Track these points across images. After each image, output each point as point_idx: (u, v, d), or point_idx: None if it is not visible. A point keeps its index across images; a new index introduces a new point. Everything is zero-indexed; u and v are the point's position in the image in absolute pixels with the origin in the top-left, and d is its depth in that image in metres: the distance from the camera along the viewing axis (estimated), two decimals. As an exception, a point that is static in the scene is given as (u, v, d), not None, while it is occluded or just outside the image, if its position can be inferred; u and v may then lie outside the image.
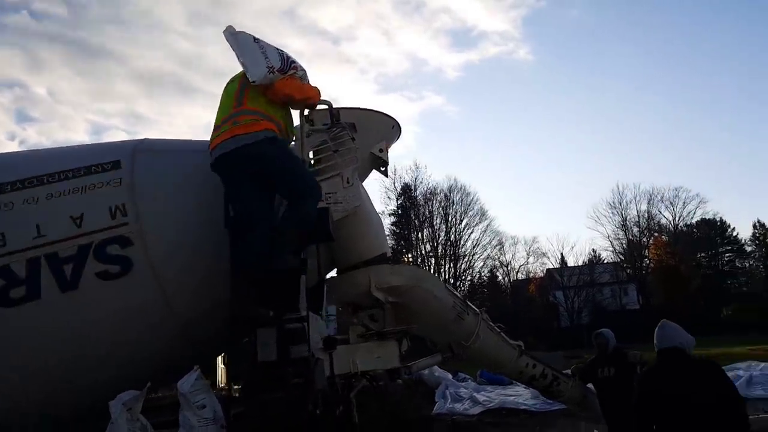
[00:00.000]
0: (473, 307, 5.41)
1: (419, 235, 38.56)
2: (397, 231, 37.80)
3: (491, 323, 5.60)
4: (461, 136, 67.31)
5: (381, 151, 4.90)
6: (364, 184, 4.98)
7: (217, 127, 3.95)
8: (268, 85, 3.86)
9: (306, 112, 4.25)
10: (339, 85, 57.61)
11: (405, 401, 13.49)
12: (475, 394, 12.85)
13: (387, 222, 38.50)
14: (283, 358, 3.88)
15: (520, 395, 12.25)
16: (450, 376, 14.52)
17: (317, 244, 4.18)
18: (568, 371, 6.91)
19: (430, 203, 38.69)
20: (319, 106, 4.30)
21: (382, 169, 5.13)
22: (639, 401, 3.74)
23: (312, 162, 4.48)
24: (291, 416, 3.56)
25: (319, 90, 4.18)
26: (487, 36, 68.93)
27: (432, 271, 37.94)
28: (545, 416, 11.12)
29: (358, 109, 4.85)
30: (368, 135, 4.83)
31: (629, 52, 67.43)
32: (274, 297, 3.75)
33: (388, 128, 5.04)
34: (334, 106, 4.48)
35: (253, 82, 3.80)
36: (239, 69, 4.00)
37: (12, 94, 48.02)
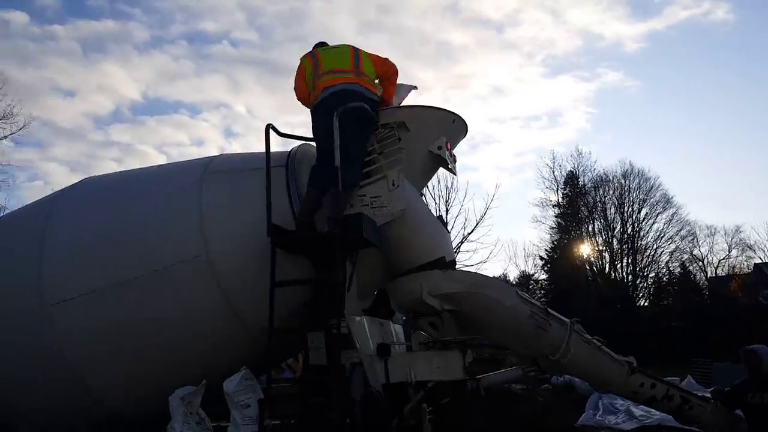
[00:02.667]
0: (560, 317, 4.83)
1: (589, 227, 35.55)
2: (563, 224, 35.36)
3: (587, 336, 4.94)
4: (643, 115, 59.50)
5: (440, 148, 4.62)
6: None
7: (334, 71, 4.38)
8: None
9: None
10: (503, 73, 55.51)
11: (549, 408, 12.64)
12: (632, 407, 11.37)
13: (551, 214, 36.13)
14: (333, 362, 3.92)
15: (688, 413, 10.60)
16: (606, 384, 13.17)
17: (354, 250, 4.10)
18: (707, 394, 5.80)
19: (600, 191, 35.36)
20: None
21: (450, 166, 4.84)
22: None
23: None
24: (317, 424, 3.56)
25: None
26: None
27: (607, 266, 34.90)
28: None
29: (410, 107, 4.64)
30: (423, 133, 4.59)
31: None
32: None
33: (446, 124, 4.72)
34: (393, 107, 4.55)
35: None
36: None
37: (219, 114, 55.95)
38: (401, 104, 4.80)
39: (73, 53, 45.88)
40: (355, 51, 4.58)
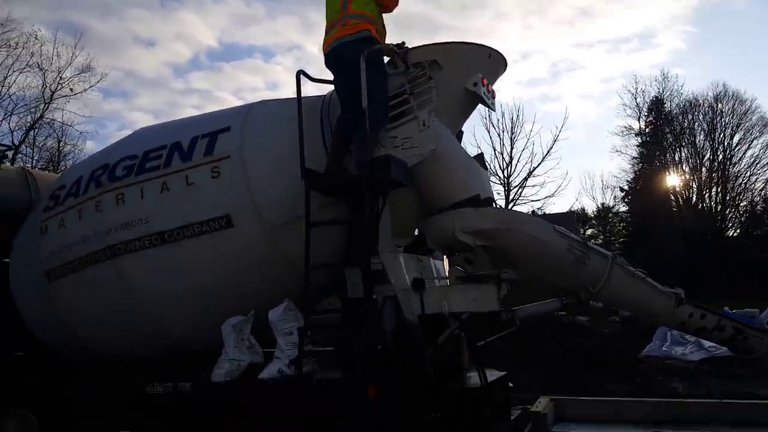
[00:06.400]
0: (601, 250, 4.81)
1: (675, 156, 33.15)
2: (646, 153, 33.20)
3: (630, 268, 4.90)
4: (749, 32, 53.16)
5: (475, 84, 4.57)
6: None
7: (327, 30, 4.53)
8: None
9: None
10: (590, -5, 50.95)
11: (614, 340, 12.57)
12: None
13: (633, 143, 33.99)
14: (368, 296, 4.20)
15: (764, 345, 10.21)
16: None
17: (384, 191, 4.24)
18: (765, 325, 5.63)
19: (688, 117, 32.59)
20: (385, 50, 4.30)
21: (488, 102, 4.80)
22: None
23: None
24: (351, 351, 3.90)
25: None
26: None
27: (693, 196, 32.91)
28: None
29: (442, 44, 4.58)
30: (458, 70, 4.54)
31: None
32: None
33: (481, 59, 4.64)
34: (424, 44, 4.53)
35: None
36: None
37: (293, 56, 55.86)
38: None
39: (151, 3, 47.38)
40: None
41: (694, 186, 32.89)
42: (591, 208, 37.91)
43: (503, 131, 24.72)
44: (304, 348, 3.94)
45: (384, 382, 3.82)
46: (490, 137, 26.50)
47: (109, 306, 4.89)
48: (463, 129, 5.22)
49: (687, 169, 33.05)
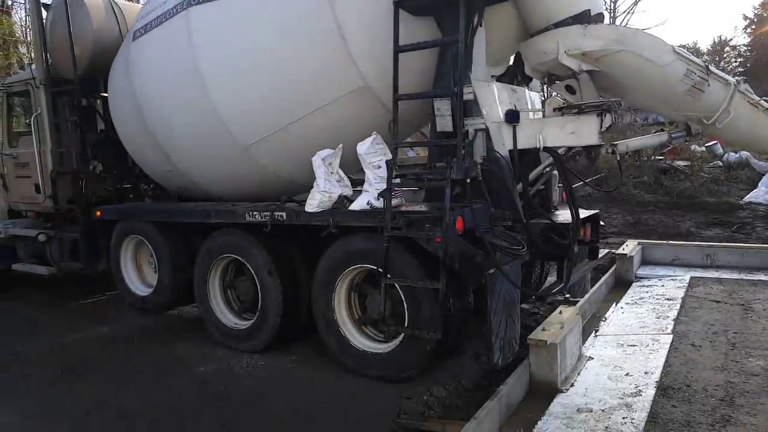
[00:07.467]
0: (724, 75, 4.19)
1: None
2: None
3: (754, 96, 4.28)
4: None
5: None
6: None
7: None
8: None
9: None
10: None
11: (715, 185, 11.74)
12: (818, 185, 10.21)
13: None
14: (459, 129, 4.00)
15: None
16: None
17: (481, 5, 3.77)
18: None
19: None
20: None
21: None
22: None
23: None
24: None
25: None
26: None
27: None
28: None
29: None
30: None
31: None
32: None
33: None
34: None
35: None
36: None
37: None
38: None
39: None
40: None
41: None
42: (705, 43, 33.72)
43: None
44: (392, 180, 3.88)
45: (472, 214, 3.76)
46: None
47: (167, 64, 5.01)
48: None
49: None
